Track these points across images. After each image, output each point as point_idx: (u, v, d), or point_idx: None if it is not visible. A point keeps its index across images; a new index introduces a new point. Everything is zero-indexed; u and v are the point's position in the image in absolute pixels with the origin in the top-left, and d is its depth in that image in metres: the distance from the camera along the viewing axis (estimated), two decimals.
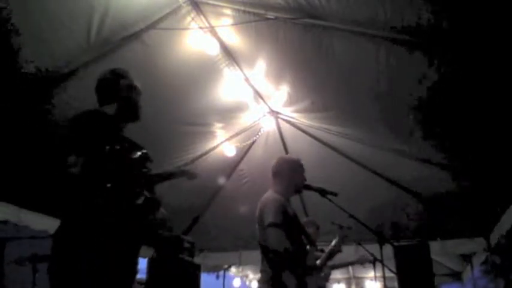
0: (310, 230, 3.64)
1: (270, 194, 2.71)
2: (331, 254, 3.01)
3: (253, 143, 5.30)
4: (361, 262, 4.19)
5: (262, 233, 2.54)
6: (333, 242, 2.91)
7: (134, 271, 1.98)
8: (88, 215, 1.73)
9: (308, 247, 2.76)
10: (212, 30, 3.72)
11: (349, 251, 5.38)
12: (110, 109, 2.04)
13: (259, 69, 4.14)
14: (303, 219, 3.80)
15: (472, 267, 6.58)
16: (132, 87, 2.12)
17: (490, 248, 5.35)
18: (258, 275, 2.67)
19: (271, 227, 2.45)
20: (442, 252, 5.93)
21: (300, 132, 5.11)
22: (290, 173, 2.81)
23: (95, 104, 2.10)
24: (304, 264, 2.57)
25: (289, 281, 2.35)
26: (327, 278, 3.17)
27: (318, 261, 2.76)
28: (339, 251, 3.06)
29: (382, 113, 3.97)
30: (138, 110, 2.12)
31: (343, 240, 3.08)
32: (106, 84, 2.10)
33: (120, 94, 2.07)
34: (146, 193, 1.91)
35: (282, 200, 2.67)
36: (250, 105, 4.64)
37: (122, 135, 2.07)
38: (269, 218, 2.48)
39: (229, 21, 3.56)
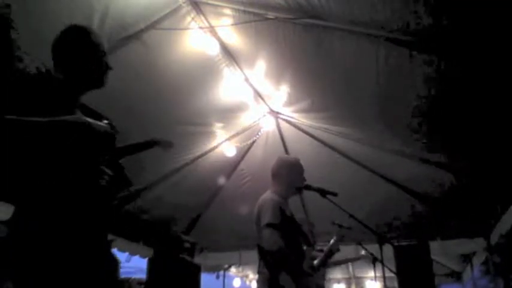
0: (304, 229, 3.63)
1: (268, 195, 2.72)
2: (329, 254, 3.00)
3: (253, 143, 5.31)
4: (359, 258, 4.17)
5: (259, 234, 2.55)
6: (331, 242, 2.90)
7: (104, 258, 1.75)
8: (44, 199, 1.57)
9: (305, 248, 2.76)
10: (212, 30, 3.72)
11: (349, 251, 5.39)
12: (63, 72, 1.78)
13: (259, 69, 4.14)
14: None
15: (472, 267, 6.58)
16: (95, 46, 1.85)
17: (490, 248, 5.35)
18: (257, 276, 2.67)
19: (267, 227, 2.47)
20: (442, 252, 5.94)
21: (300, 132, 5.11)
22: (289, 174, 2.81)
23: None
24: (301, 265, 2.58)
25: (286, 282, 2.36)
26: (323, 277, 3.15)
27: (315, 262, 2.76)
28: (337, 250, 3.05)
29: (382, 113, 3.96)
30: (102, 73, 1.85)
31: (341, 240, 3.07)
32: (65, 41, 1.82)
33: (81, 54, 1.80)
34: (109, 171, 1.73)
35: (280, 200, 2.67)
36: (250, 105, 4.64)
37: (82, 103, 1.83)
38: (266, 219, 2.49)
39: (229, 21, 3.56)
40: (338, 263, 3.71)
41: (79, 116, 1.68)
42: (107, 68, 1.88)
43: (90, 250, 1.65)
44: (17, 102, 1.62)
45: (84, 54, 1.82)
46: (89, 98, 1.93)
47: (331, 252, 2.88)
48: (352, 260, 3.44)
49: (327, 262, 2.88)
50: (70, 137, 1.62)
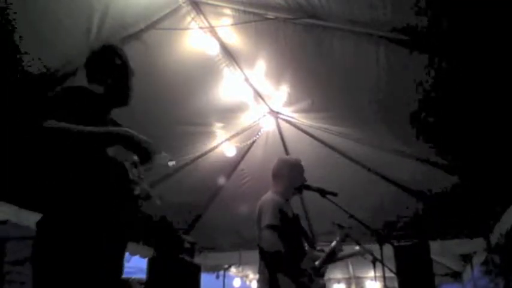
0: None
1: (268, 195, 2.73)
2: (331, 255, 2.99)
3: (253, 143, 5.30)
4: (361, 254, 4.14)
5: (259, 234, 2.56)
6: (333, 243, 2.89)
7: (121, 264, 1.84)
8: (75, 203, 1.64)
9: (307, 248, 2.77)
10: (212, 30, 3.72)
11: (348, 251, 5.39)
12: (98, 88, 1.89)
13: (259, 69, 4.14)
14: None
15: (472, 267, 6.58)
16: (126, 68, 1.98)
17: (490, 248, 5.35)
18: (258, 276, 2.68)
19: (266, 228, 2.48)
20: (442, 252, 5.93)
21: (300, 132, 5.11)
22: (290, 174, 2.82)
23: None
24: (300, 266, 2.58)
25: (285, 282, 2.37)
26: (322, 274, 3.14)
27: (316, 262, 2.76)
28: (340, 250, 3.05)
29: (382, 113, 3.97)
30: (128, 94, 1.99)
31: (344, 240, 3.07)
32: (99, 60, 1.96)
33: (112, 73, 1.93)
34: (143, 182, 1.82)
35: (281, 201, 2.68)
36: (250, 105, 4.64)
37: (110, 118, 1.93)
38: (265, 220, 2.51)
39: (229, 21, 3.56)
40: (337, 260, 3.68)
41: (126, 128, 1.79)
42: (132, 88, 2.01)
43: (107, 255, 1.71)
44: (64, 111, 1.68)
45: (118, 74, 1.94)
46: None
47: (333, 253, 2.87)
48: (352, 254, 3.42)
49: (329, 262, 2.87)
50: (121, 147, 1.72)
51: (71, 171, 1.66)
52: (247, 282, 9.00)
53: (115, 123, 1.94)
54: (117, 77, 1.94)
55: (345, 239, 2.99)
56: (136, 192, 1.78)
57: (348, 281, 9.28)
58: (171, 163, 2.10)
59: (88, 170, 1.67)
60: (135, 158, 1.82)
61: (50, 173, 1.71)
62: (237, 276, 8.63)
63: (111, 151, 1.72)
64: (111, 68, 1.94)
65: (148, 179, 1.93)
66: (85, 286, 1.60)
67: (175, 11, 3.47)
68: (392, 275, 3.95)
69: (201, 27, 3.64)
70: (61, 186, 1.67)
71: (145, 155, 1.79)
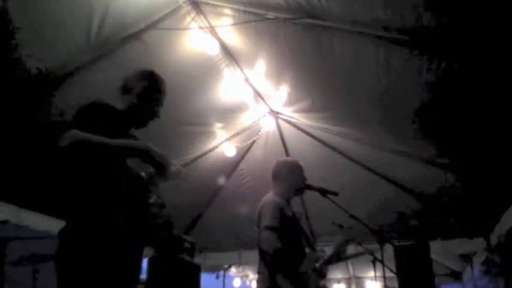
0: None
1: (269, 197, 2.73)
2: (334, 257, 2.97)
3: (253, 143, 5.30)
4: (363, 254, 4.14)
5: (258, 235, 2.57)
6: (336, 246, 2.85)
7: (139, 270, 2.00)
8: (95, 212, 1.73)
9: (307, 250, 2.77)
10: (212, 30, 3.72)
11: (349, 251, 5.39)
12: (129, 101, 2.03)
13: (259, 69, 4.14)
14: None
15: (472, 267, 6.58)
16: (150, 97, 2.10)
17: (490, 248, 5.35)
18: (257, 276, 2.69)
19: (265, 229, 2.50)
20: (442, 252, 5.93)
21: (300, 132, 5.11)
22: (289, 175, 2.83)
23: None
24: (300, 267, 2.58)
25: (284, 283, 2.38)
26: (324, 275, 3.13)
27: (317, 263, 2.75)
28: (343, 252, 3.03)
29: (382, 113, 3.97)
30: (144, 120, 2.10)
31: (348, 244, 3.03)
32: (130, 81, 2.09)
33: (143, 97, 2.06)
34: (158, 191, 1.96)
35: (281, 202, 2.68)
36: (250, 105, 4.64)
37: (128, 132, 2.04)
38: (265, 221, 2.52)
39: (229, 21, 3.56)
40: (339, 260, 3.68)
41: (144, 142, 1.89)
42: (156, 116, 2.14)
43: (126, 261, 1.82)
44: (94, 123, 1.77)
45: (148, 100, 2.07)
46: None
47: (337, 256, 2.86)
48: (354, 255, 3.42)
49: (330, 263, 2.86)
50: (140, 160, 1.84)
51: (92, 181, 1.75)
52: (247, 282, 9.00)
53: (135, 139, 2.05)
54: (146, 102, 2.07)
55: (348, 242, 2.98)
56: (152, 200, 1.93)
57: (348, 281, 9.27)
58: (183, 175, 2.19)
59: (108, 181, 1.77)
60: (151, 169, 1.93)
61: (71, 182, 1.80)
62: (237, 276, 8.62)
63: (129, 163, 1.85)
64: (145, 92, 2.07)
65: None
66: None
67: (175, 11, 3.47)
68: (392, 275, 3.95)
69: (201, 27, 3.64)
70: (83, 196, 1.76)
71: (161, 167, 1.90)
